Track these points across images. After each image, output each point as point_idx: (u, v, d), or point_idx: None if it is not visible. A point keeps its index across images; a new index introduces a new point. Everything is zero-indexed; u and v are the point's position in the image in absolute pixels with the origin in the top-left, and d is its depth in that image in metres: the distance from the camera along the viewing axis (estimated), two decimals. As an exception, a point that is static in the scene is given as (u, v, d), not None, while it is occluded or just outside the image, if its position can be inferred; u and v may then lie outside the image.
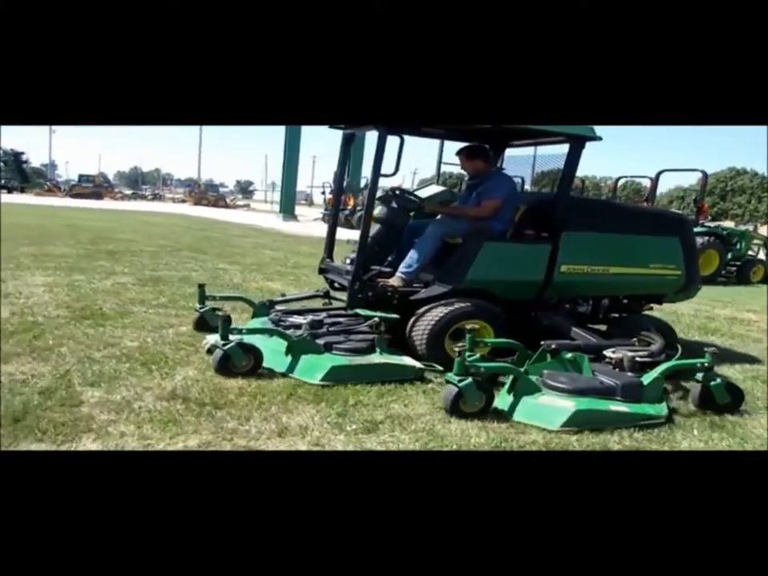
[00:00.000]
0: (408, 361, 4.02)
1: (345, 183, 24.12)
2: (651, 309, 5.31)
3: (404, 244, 4.65)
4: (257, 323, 4.55)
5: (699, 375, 3.79)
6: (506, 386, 3.57)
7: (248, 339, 3.87)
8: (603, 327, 5.01)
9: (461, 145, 4.96)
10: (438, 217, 4.92)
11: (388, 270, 4.48)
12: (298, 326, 4.23)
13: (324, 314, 4.63)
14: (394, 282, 4.33)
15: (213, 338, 4.07)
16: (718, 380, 3.79)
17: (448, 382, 3.38)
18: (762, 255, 12.61)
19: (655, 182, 12.04)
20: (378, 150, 4.09)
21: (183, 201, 48.86)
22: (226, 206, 47.06)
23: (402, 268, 4.37)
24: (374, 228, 4.59)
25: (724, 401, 3.77)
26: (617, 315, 5.04)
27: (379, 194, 16.53)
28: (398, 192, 4.88)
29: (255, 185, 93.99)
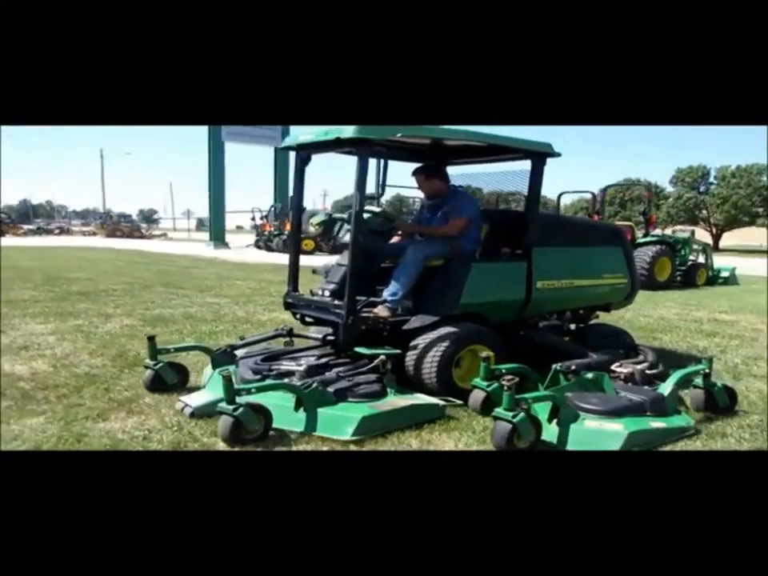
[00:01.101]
0: (428, 399, 3.73)
1: (277, 208, 23.66)
2: (597, 317, 5.49)
3: (376, 269, 4.38)
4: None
5: (699, 381, 3.88)
6: (544, 416, 3.33)
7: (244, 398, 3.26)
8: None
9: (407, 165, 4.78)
10: (395, 239, 4.77)
11: (380, 299, 4.05)
12: (286, 374, 3.74)
13: (313, 357, 4.12)
14: (382, 312, 3.96)
15: (193, 401, 3.59)
16: (719, 384, 3.92)
17: (498, 418, 3.14)
18: (701, 259, 13.67)
19: (602, 195, 12.79)
20: (361, 172, 3.78)
21: (94, 233, 46.54)
22: (142, 237, 45.33)
23: (387, 296, 4.02)
24: (346, 256, 4.14)
25: (725, 403, 3.89)
26: (575, 326, 5.16)
27: (320, 218, 16.09)
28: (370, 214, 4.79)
29: (159, 213, 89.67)
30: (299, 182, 4.52)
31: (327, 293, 4.16)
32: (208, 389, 3.85)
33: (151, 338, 4.02)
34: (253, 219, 30.74)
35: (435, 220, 4.60)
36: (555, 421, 3.33)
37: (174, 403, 3.77)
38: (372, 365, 3.76)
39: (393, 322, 3.96)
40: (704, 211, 48.61)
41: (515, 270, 4.38)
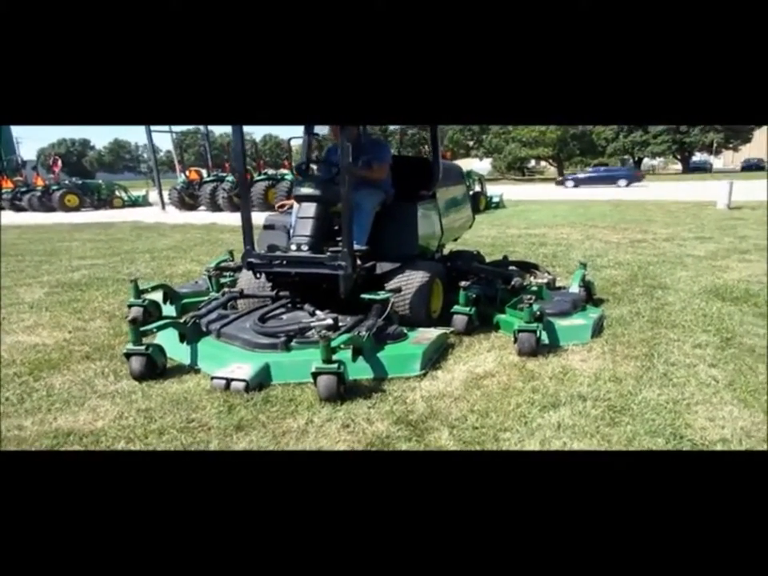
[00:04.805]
0: (435, 330, 4.11)
1: (14, 160, 22.32)
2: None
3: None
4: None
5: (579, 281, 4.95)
6: (527, 324, 3.83)
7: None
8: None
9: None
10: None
11: (364, 248, 4.22)
12: (301, 331, 3.80)
13: (311, 310, 4.23)
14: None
15: (239, 374, 3.44)
16: (591, 280, 5.12)
17: (524, 330, 3.75)
18: (477, 188, 16.32)
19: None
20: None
21: None
22: None
23: (355, 245, 4.07)
24: (309, 208, 4.16)
25: (595, 294, 5.21)
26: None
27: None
28: (308, 165, 4.92)
29: None
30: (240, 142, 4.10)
31: (305, 247, 4.06)
32: (206, 364, 3.76)
33: (134, 321, 3.64)
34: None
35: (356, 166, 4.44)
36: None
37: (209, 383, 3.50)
38: (388, 309, 3.98)
39: (366, 268, 4.19)
40: (426, 147, 54.45)
41: (434, 209, 4.89)
